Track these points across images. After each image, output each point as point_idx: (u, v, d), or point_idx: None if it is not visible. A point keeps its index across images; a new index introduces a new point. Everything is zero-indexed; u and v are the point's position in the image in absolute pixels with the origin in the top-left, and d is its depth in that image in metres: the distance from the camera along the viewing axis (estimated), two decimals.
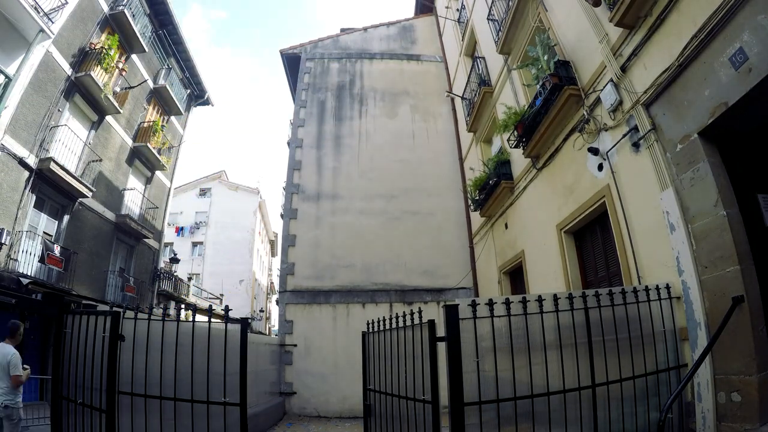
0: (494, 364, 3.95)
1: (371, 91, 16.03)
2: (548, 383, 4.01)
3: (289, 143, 15.62)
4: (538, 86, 7.33)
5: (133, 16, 14.57)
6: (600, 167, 6.22)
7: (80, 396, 4.68)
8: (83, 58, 12.59)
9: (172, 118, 19.03)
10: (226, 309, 5.65)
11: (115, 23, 14.00)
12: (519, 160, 9.19)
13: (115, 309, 4.69)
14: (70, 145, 12.14)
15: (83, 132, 13.19)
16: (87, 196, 12.84)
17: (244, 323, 4.96)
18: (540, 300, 4.16)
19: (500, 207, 10.46)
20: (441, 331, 4.10)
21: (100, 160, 13.61)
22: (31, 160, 10.75)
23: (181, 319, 5.07)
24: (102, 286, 13.91)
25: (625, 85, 5.52)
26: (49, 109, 11.38)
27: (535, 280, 8.59)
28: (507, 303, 4.09)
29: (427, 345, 4.24)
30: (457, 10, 14.82)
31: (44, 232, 11.71)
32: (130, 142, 15.68)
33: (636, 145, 5.36)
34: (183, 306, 19.28)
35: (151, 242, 17.34)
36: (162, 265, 19.57)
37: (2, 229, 9.80)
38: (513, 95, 9.34)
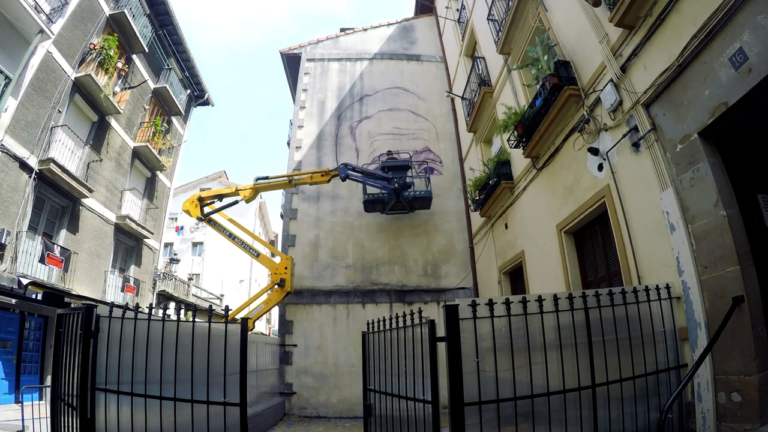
0: (494, 364, 3.95)
1: (371, 91, 16.02)
2: (548, 383, 4.01)
3: (289, 143, 15.63)
4: (538, 86, 7.32)
5: (133, 16, 14.58)
6: (600, 167, 6.22)
7: (68, 396, 4.63)
8: (83, 58, 12.60)
9: (172, 118, 19.03)
10: (226, 309, 5.67)
11: (115, 23, 14.01)
12: (519, 161, 9.19)
13: (87, 303, 4.63)
14: (70, 145, 12.15)
15: (83, 132, 13.20)
16: (87, 197, 12.85)
17: (244, 323, 4.96)
18: (540, 300, 4.16)
19: (500, 207, 10.46)
20: (441, 331, 4.10)
21: (101, 161, 13.62)
22: (32, 161, 10.75)
23: (180, 319, 5.06)
24: (102, 287, 13.91)
25: (625, 85, 5.52)
26: (50, 110, 11.39)
27: (535, 281, 8.59)
28: (507, 303, 4.09)
29: (427, 345, 4.23)
30: (457, 10, 14.82)
31: (44, 233, 11.71)
32: (130, 142, 15.67)
33: (636, 145, 5.36)
34: (184, 306, 19.34)
35: (151, 242, 17.34)
36: (162, 265, 19.56)
37: (2, 230, 9.80)
38: (513, 95, 9.34)
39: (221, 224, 12.97)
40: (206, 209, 12.94)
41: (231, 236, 12.79)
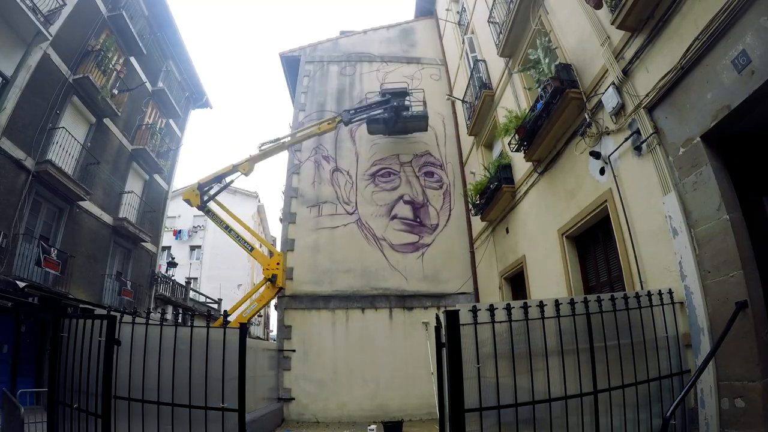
0: (495, 369, 3.91)
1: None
2: (550, 389, 3.97)
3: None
4: (539, 89, 7.29)
5: (132, 18, 14.54)
6: (602, 171, 6.19)
7: (76, 400, 4.62)
8: (81, 60, 12.55)
9: (171, 120, 18.97)
10: (224, 314, 5.62)
11: (113, 25, 13.96)
12: (520, 164, 9.15)
13: (111, 313, 4.63)
14: (67, 147, 12.07)
15: (81, 134, 13.13)
16: (84, 199, 12.78)
17: (243, 328, 4.91)
18: (541, 305, 4.12)
19: (501, 211, 10.41)
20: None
21: (98, 163, 13.55)
22: (29, 163, 10.68)
23: (179, 323, 5.02)
24: (99, 290, 13.81)
25: (627, 89, 5.49)
26: (47, 112, 11.33)
27: (537, 286, 8.54)
28: (508, 308, 4.05)
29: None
30: (458, 12, 14.81)
31: (41, 235, 11.63)
32: (128, 144, 15.61)
33: (638, 149, 5.33)
34: (181, 310, 19.24)
35: (149, 246, 17.25)
36: (160, 269, 19.47)
37: None
38: (514, 98, 9.31)
39: (219, 216, 13.11)
40: (211, 206, 13.24)
41: (227, 228, 12.96)
